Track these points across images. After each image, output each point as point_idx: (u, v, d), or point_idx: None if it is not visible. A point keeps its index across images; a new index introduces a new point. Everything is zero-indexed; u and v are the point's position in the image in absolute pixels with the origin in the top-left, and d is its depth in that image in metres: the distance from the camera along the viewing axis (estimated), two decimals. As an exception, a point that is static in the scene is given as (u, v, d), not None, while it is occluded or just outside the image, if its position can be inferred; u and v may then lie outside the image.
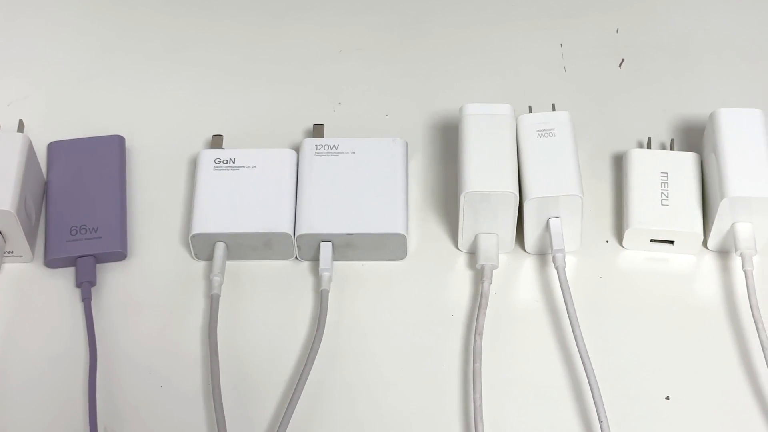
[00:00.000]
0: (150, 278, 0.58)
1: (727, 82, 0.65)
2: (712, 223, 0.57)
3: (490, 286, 0.56)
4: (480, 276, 0.57)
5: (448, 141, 0.63)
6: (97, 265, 0.58)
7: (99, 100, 0.65)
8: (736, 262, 0.57)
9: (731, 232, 0.57)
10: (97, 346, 0.55)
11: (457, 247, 0.59)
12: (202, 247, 0.57)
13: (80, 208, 0.58)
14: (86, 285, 0.57)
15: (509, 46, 0.67)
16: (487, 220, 0.57)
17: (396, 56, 0.67)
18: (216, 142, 0.61)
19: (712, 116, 0.58)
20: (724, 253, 0.58)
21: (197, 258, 0.58)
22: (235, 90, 0.66)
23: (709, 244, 0.58)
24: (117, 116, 0.64)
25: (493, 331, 0.55)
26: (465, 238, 0.58)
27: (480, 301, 0.55)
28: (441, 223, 0.60)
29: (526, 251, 0.58)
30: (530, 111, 0.60)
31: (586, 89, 0.65)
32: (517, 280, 0.58)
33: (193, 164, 0.61)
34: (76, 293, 0.57)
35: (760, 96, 0.64)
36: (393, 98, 0.65)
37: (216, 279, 0.56)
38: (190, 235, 0.57)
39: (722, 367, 0.54)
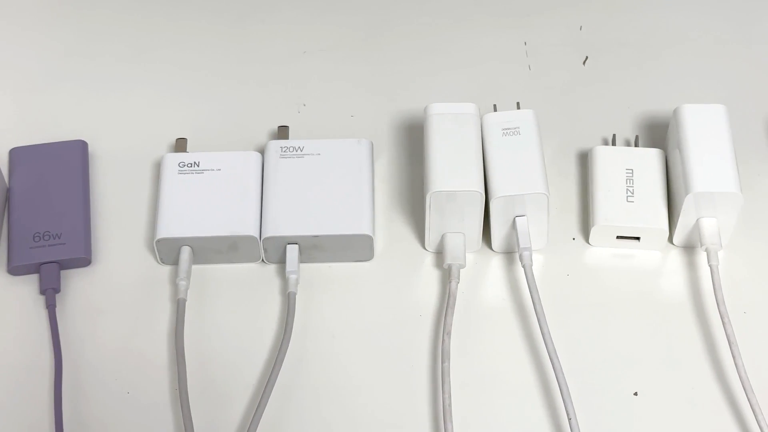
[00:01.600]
0: (115, 284, 0.57)
1: (691, 78, 0.66)
2: (678, 218, 0.57)
3: (457, 285, 0.56)
4: (447, 275, 0.57)
5: (413, 141, 0.63)
6: (62, 272, 0.57)
7: (61, 105, 0.65)
8: (702, 257, 0.58)
9: (696, 228, 0.57)
10: (63, 353, 0.54)
11: (424, 246, 0.59)
12: (167, 251, 0.57)
13: (43, 214, 0.58)
14: (50, 292, 0.56)
15: (473, 45, 0.67)
16: (453, 220, 0.57)
17: (360, 57, 0.67)
18: (180, 145, 0.61)
19: (675, 112, 0.59)
20: (689, 249, 0.58)
21: (162, 263, 0.58)
22: (198, 93, 0.65)
23: (675, 239, 0.58)
24: (79, 121, 0.63)
25: (461, 331, 0.55)
26: (432, 237, 0.58)
27: (447, 301, 0.55)
28: (407, 223, 0.60)
29: (493, 250, 0.58)
30: (495, 110, 0.60)
31: (551, 87, 0.65)
32: (484, 279, 0.58)
33: (157, 168, 0.60)
34: (40, 300, 0.57)
35: (724, 92, 0.65)
36: (358, 99, 0.65)
37: (182, 283, 0.56)
38: (155, 240, 0.56)
39: (689, 362, 0.54)
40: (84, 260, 0.57)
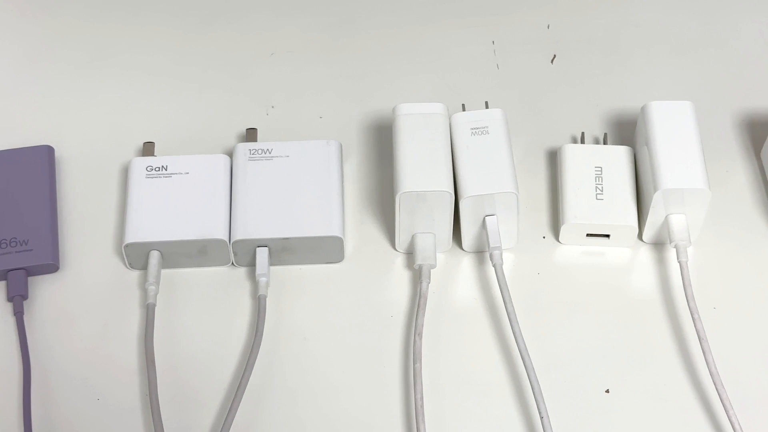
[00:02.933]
0: (83, 289, 0.57)
1: (658, 75, 0.66)
2: (647, 215, 0.57)
3: (428, 285, 0.56)
4: (418, 276, 0.56)
5: (382, 141, 0.63)
6: (29, 278, 0.57)
7: (26, 110, 0.64)
8: (671, 253, 0.58)
9: (665, 224, 0.57)
10: (31, 361, 0.54)
11: (394, 247, 0.58)
12: (136, 256, 0.56)
13: (9, 220, 0.57)
14: (18, 299, 0.56)
15: (441, 44, 0.67)
16: (423, 220, 0.57)
17: (328, 58, 0.67)
18: (147, 149, 0.61)
19: (643, 109, 0.59)
20: (659, 245, 0.59)
21: (131, 267, 0.57)
22: (166, 96, 0.65)
23: (644, 236, 0.58)
24: (45, 126, 0.63)
25: (432, 331, 0.55)
26: (402, 238, 0.58)
27: (418, 301, 0.55)
28: (378, 224, 0.60)
29: (463, 250, 0.58)
30: (464, 109, 0.60)
31: (519, 86, 0.65)
32: (455, 279, 0.58)
33: (125, 173, 0.60)
34: (8, 307, 0.56)
35: (691, 88, 0.65)
36: (326, 100, 0.65)
37: (151, 288, 0.55)
38: (124, 245, 0.56)
39: (660, 358, 0.55)
40: (52, 266, 0.57)
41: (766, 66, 0.66)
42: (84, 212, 0.60)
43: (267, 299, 0.56)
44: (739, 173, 0.61)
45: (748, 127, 0.63)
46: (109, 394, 0.53)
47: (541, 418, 0.51)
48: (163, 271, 0.57)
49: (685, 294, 0.55)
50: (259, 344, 0.54)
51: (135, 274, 0.57)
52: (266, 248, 0.56)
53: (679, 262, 0.56)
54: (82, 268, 0.58)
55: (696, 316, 0.54)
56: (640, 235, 0.58)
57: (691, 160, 0.56)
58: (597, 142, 0.63)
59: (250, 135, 0.61)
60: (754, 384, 0.53)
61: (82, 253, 0.58)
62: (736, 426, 0.51)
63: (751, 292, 0.57)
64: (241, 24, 0.68)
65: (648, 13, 0.69)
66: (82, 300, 0.57)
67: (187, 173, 0.58)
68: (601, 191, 0.58)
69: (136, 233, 0.56)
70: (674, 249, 0.57)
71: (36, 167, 0.59)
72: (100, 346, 0.55)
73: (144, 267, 0.57)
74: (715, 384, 0.52)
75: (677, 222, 0.57)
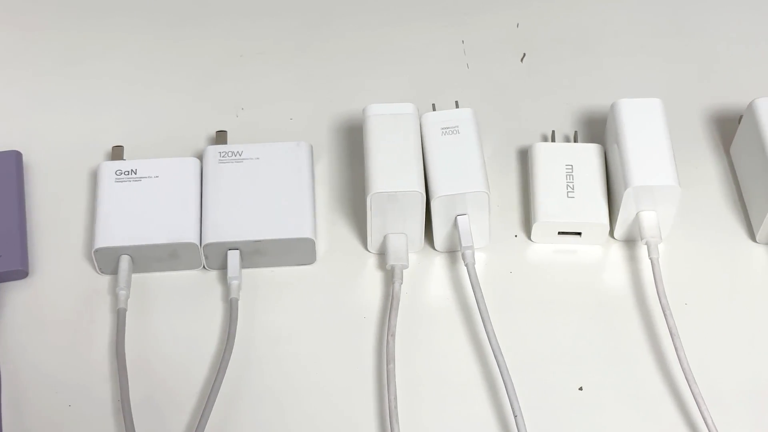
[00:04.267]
0: (54, 295, 0.56)
1: (628, 73, 0.66)
2: (618, 213, 0.57)
3: (401, 286, 0.56)
4: (390, 277, 0.56)
5: (353, 142, 0.62)
6: (-2, 285, 0.56)
7: (-6, 115, 0.64)
8: (642, 250, 0.58)
9: (636, 222, 0.57)
10: (2, 368, 0.53)
11: (366, 248, 0.58)
12: (106, 261, 0.56)
13: (-22, 226, 0.57)
14: (-13, 306, 0.55)
15: (411, 44, 0.67)
16: (395, 221, 0.56)
17: (298, 59, 0.67)
18: (116, 153, 0.60)
19: (613, 107, 0.59)
20: (630, 242, 0.59)
21: (102, 272, 0.57)
22: (134, 99, 0.64)
23: (616, 233, 0.58)
24: (12, 131, 0.62)
25: (405, 331, 0.55)
26: (374, 239, 0.57)
27: (391, 302, 0.55)
28: (349, 225, 0.59)
29: (435, 249, 0.58)
30: (434, 109, 0.60)
31: (489, 85, 0.65)
32: (427, 279, 0.58)
33: (94, 177, 0.60)
34: (-23, 314, 0.56)
35: (660, 85, 0.65)
36: (296, 102, 0.64)
37: (122, 293, 0.55)
38: (93, 250, 0.56)
39: (633, 355, 0.55)
40: (21, 272, 0.56)
41: (735, 63, 0.66)
42: (53, 217, 0.59)
43: (239, 302, 0.55)
44: (709, 169, 0.62)
45: (717, 123, 0.64)
46: (81, 401, 0.53)
47: (515, 417, 0.51)
48: (134, 276, 0.56)
49: (657, 291, 0.55)
50: (232, 348, 0.54)
51: (105, 279, 0.57)
52: (237, 251, 0.56)
53: (650, 258, 0.56)
54: (52, 274, 0.57)
55: (668, 312, 0.54)
56: (611, 233, 0.59)
57: (661, 157, 0.56)
58: (567, 140, 0.63)
59: (220, 137, 0.61)
60: (726, 379, 0.54)
61: (52, 258, 0.58)
62: (709, 421, 0.51)
63: (722, 288, 0.57)
64: (209, 26, 0.68)
65: (617, 11, 0.69)
66: (52, 306, 0.56)
67: (157, 177, 0.58)
68: (572, 189, 0.58)
69: (105, 238, 0.56)
70: (645, 246, 0.57)
71: (4, 173, 0.59)
72: (71, 352, 0.55)
73: (114, 272, 0.56)
74: (687, 380, 0.52)
75: (648, 219, 0.57)
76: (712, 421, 0.51)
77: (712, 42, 0.67)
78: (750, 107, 0.59)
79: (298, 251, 0.57)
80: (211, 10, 0.69)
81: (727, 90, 0.65)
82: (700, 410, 0.51)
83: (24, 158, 0.61)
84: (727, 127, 0.63)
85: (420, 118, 0.58)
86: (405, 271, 0.57)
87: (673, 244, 0.58)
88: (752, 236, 0.59)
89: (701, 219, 0.60)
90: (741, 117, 0.60)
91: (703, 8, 0.69)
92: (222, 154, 0.58)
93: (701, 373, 0.53)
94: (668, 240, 0.58)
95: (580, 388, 0.54)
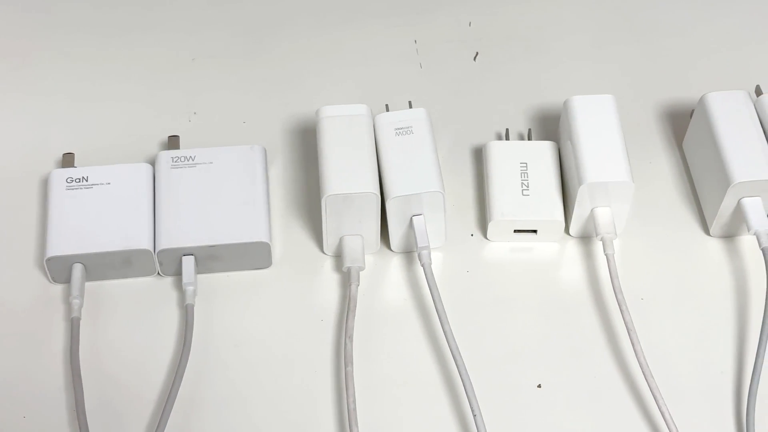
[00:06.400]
0: (6, 305, 0.56)
1: (580, 70, 0.66)
2: (573, 209, 0.57)
3: (357, 288, 0.56)
4: (347, 279, 0.56)
5: (307, 145, 0.62)
6: (-51, 297, 0.55)
7: (-59, 124, 0.63)
8: (598, 246, 0.58)
9: (591, 218, 0.57)
10: (-47, 381, 0.53)
11: (322, 251, 0.58)
12: (58, 269, 0.55)
13: (-74, 238, 0.56)
14: (-62, 318, 0.54)
15: (363, 45, 0.67)
16: (350, 222, 0.56)
17: (250, 62, 0.66)
18: (67, 161, 0.60)
19: (565, 104, 0.59)
20: (585, 239, 0.59)
21: (54, 281, 0.56)
22: (85, 106, 0.64)
23: (571, 230, 0.59)
24: (-39, 140, 0.62)
25: (363, 333, 0.55)
26: (330, 241, 0.57)
27: (348, 304, 0.55)
28: (305, 228, 0.59)
29: (392, 250, 0.58)
30: (387, 110, 0.60)
31: (443, 84, 0.65)
32: (384, 280, 0.58)
33: (45, 185, 0.59)
34: (-72, 327, 0.55)
35: (612, 82, 0.65)
36: (249, 105, 0.64)
37: (75, 302, 0.55)
38: (45, 259, 0.55)
39: (590, 351, 0.55)
40: (-28, 283, 0.56)
41: (685, 57, 0.67)
42: (3, 227, 0.58)
43: (195, 308, 0.55)
44: (662, 164, 0.62)
45: (669, 118, 0.64)
46: (36, 412, 0.52)
47: (474, 416, 0.51)
48: (88, 284, 0.56)
49: (613, 286, 0.55)
50: (188, 354, 0.53)
51: (58, 288, 0.56)
52: (192, 256, 0.56)
53: (605, 254, 0.56)
54: (4, 284, 0.56)
55: (624, 307, 0.54)
56: (566, 230, 0.59)
57: (614, 154, 0.57)
58: (521, 138, 0.63)
59: (173, 142, 0.61)
60: (682, 372, 0.54)
61: (3, 268, 0.57)
62: (666, 414, 0.51)
63: (677, 282, 0.57)
64: (160, 30, 0.68)
65: (568, 8, 0.69)
66: (4, 316, 0.55)
67: (109, 183, 0.57)
68: (527, 187, 0.58)
69: (57, 246, 0.55)
70: (601, 242, 0.57)
71: (-48, 182, 0.58)
72: (24, 363, 0.54)
73: (67, 280, 0.56)
74: (644, 374, 0.52)
75: (602, 215, 0.57)
76: (669, 413, 0.51)
77: (663, 37, 0.68)
78: (701, 102, 0.59)
79: (254, 255, 0.56)
80: (163, 13, 0.68)
81: (678, 85, 0.65)
82: (657, 403, 0.52)
83: (-27, 167, 0.60)
84: (680, 122, 0.63)
85: (374, 119, 0.58)
86: (362, 273, 0.56)
87: (628, 240, 0.58)
88: (706, 229, 0.59)
89: (655, 214, 0.60)
90: (693, 111, 0.61)
91: (652, 4, 0.69)
92: (175, 159, 0.58)
93: (658, 366, 0.53)
94: (623, 235, 0.58)
95: (539, 386, 0.54)
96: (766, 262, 0.55)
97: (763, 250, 0.56)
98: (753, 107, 0.58)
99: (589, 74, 0.66)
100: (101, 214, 0.56)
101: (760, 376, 0.52)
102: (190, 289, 0.55)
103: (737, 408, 0.53)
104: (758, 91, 0.60)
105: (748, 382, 0.53)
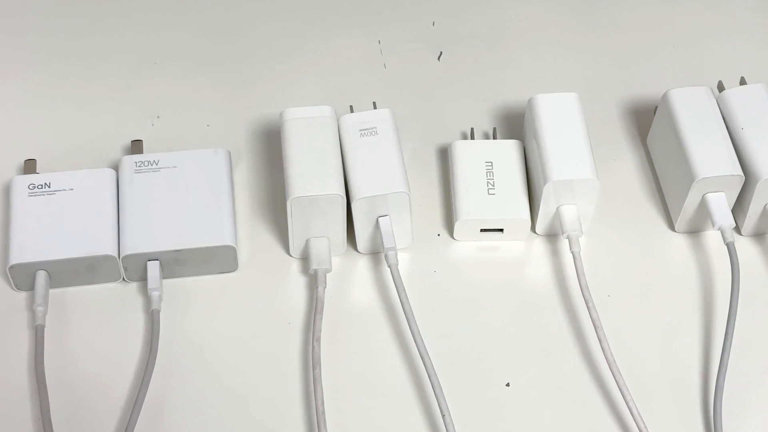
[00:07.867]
0: (-32, 315, 0.55)
1: (543, 68, 0.66)
2: (538, 208, 0.57)
3: (324, 290, 0.55)
4: (314, 281, 0.56)
5: (272, 147, 0.62)
6: None
7: None
8: (564, 244, 0.58)
9: (557, 216, 0.58)
10: None
11: (288, 253, 0.58)
12: (21, 277, 0.55)
13: None
14: None
15: (326, 46, 0.67)
16: (316, 224, 0.56)
17: (212, 65, 0.66)
18: (29, 167, 0.59)
19: (530, 102, 0.59)
20: (552, 237, 0.59)
21: (18, 289, 0.56)
22: (46, 111, 0.63)
23: (537, 228, 0.59)
24: None
25: (331, 336, 0.55)
26: (296, 243, 0.57)
27: (315, 307, 0.55)
28: (271, 231, 0.59)
29: (358, 252, 0.58)
30: (352, 111, 0.59)
31: (407, 84, 0.65)
32: (351, 282, 0.57)
33: (6, 192, 0.58)
34: None
35: (575, 79, 0.66)
36: (212, 108, 0.64)
37: (39, 309, 0.54)
38: (8, 266, 0.54)
39: (558, 349, 0.55)
40: (-66, 293, 0.55)
41: (648, 54, 0.67)
42: (-35, 235, 0.58)
43: (161, 313, 0.55)
44: (627, 161, 0.62)
45: (633, 115, 0.64)
46: (0, 421, 0.52)
47: (443, 416, 0.51)
48: (52, 291, 0.55)
49: (579, 284, 0.55)
50: (155, 359, 0.53)
51: (22, 296, 0.56)
52: (157, 261, 0.55)
53: (572, 252, 0.56)
54: (-34, 293, 0.56)
55: (591, 305, 0.54)
56: (533, 228, 0.59)
57: (578, 151, 0.57)
58: (486, 137, 0.63)
59: (136, 147, 0.60)
60: (649, 368, 0.54)
61: (-35, 277, 0.56)
62: (634, 411, 0.51)
63: (643, 278, 0.58)
64: (121, 34, 0.67)
65: (530, 6, 0.69)
66: (-33, 325, 0.55)
67: (72, 189, 0.56)
68: (493, 186, 0.58)
69: (20, 254, 0.54)
70: (567, 240, 0.57)
71: None
72: (-12, 372, 0.53)
73: (31, 288, 0.55)
74: (611, 371, 0.53)
75: (568, 213, 0.57)
76: (637, 409, 0.51)
77: (625, 34, 0.68)
78: (664, 98, 0.59)
79: (220, 259, 0.56)
80: (123, 17, 0.68)
81: (641, 81, 0.65)
82: (624, 399, 0.52)
83: (-67, 175, 0.59)
84: (643, 119, 0.64)
85: (338, 121, 0.58)
86: (328, 275, 0.56)
87: (594, 237, 0.59)
88: (671, 225, 0.59)
89: (621, 211, 0.60)
90: (656, 108, 0.61)
91: (615, 1, 0.69)
92: (138, 164, 0.57)
93: (625, 363, 0.53)
94: (589, 233, 0.59)
95: (507, 384, 0.54)
96: (730, 257, 0.56)
97: (727, 245, 0.56)
98: (716, 103, 0.59)
99: (552, 72, 0.66)
100: (64, 220, 0.55)
101: (726, 370, 0.53)
102: (155, 294, 0.55)
103: (704, 402, 0.53)
104: (721, 87, 0.61)
105: (715, 376, 0.53)
